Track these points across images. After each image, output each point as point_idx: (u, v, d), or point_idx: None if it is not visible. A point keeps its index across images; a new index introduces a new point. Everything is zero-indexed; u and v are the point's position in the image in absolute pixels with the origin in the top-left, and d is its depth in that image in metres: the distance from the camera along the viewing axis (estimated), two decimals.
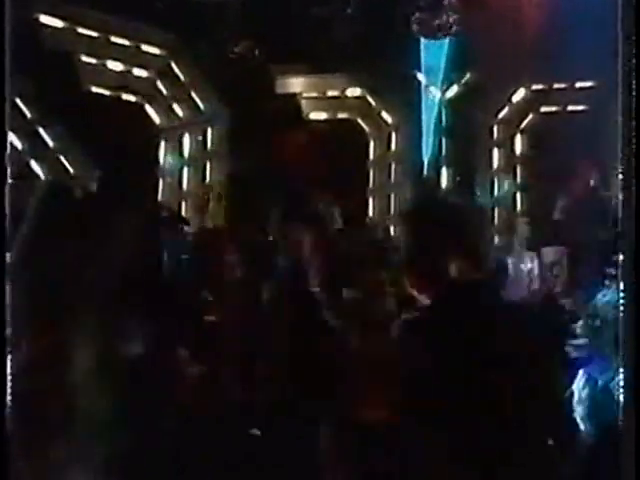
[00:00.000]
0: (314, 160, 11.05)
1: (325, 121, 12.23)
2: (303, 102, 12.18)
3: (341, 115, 12.26)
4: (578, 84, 11.51)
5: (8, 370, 3.24)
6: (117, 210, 9.29)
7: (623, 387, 3.14)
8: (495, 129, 12.00)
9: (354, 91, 12.19)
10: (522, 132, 11.96)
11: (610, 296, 4.97)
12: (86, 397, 4.80)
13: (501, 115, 11.99)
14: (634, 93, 3.08)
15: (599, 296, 4.98)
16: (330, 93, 12.29)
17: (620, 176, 3.12)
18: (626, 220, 3.12)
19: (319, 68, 11.97)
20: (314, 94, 12.25)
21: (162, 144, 10.33)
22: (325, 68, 11.93)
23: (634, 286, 3.11)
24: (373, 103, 12.13)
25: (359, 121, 12.19)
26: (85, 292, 6.25)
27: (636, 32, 3.10)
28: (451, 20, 9.80)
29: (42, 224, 5.57)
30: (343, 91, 12.24)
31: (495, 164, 11.97)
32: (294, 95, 12.16)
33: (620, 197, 3.06)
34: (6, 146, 3.21)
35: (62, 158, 9.68)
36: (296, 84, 12.17)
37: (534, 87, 11.83)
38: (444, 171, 11.99)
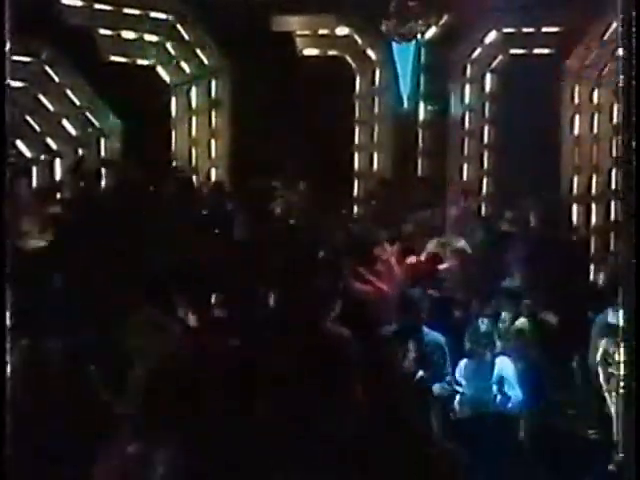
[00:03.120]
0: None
1: (317, 57, 13.31)
2: (297, 40, 13.32)
3: (331, 52, 13.38)
4: (544, 29, 12.60)
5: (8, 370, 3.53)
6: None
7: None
8: (468, 68, 13.20)
9: (342, 30, 13.29)
10: (492, 71, 13.11)
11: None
12: None
13: (474, 55, 13.12)
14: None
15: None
16: (321, 31, 13.35)
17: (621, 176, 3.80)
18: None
19: (311, 8, 13.15)
20: (307, 32, 13.34)
21: (173, 99, 11.87)
22: (317, 8, 13.13)
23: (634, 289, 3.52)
24: (359, 42, 13.24)
25: (347, 58, 13.34)
26: None
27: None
28: (415, 29, 11.07)
29: None
30: (333, 30, 13.30)
31: (467, 99, 13.31)
32: (289, 33, 13.44)
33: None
34: (6, 148, 3.50)
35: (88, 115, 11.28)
36: (291, 23, 13.26)
37: (505, 30, 12.87)
38: (421, 104, 13.37)
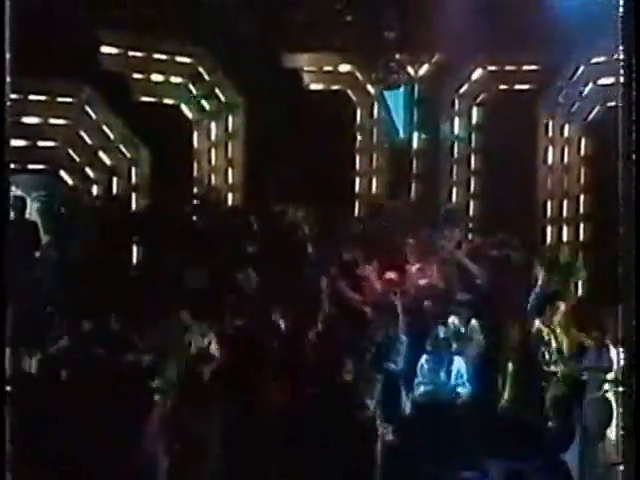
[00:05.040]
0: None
1: (322, 92, 14.65)
2: (304, 75, 14.63)
3: (334, 87, 14.72)
4: (525, 67, 14.02)
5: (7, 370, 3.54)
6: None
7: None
8: (456, 102, 14.61)
9: (345, 67, 14.61)
10: (478, 105, 14.49)
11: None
12: None
13: (461, 90, 14.48)
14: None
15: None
16: (326, 68, 14.66)
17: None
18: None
19: (318, 47, 14.37)
20: (313, 68, 14.68)
21: (195, 133, 13.48)
22: (322, 47, 14.36)
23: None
24: (360, 78, 14.56)
25: (349, 92, 14.71)
26: None
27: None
28: (401, 79, 12.63)
29: None
30: (336, 67, 14.64)
31: (455, 130, 14.70)
32: (297, 70, 14.70)
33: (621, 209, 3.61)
34: (6, 148, 3.56)
35: (121, 147, 12.86)
36: (298, 60, 14.52)
37: (489, 68, 14.24)
38: (415, 135, 14.76)
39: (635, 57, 3.58)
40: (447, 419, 8.49)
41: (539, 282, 9.69)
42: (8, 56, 3.55)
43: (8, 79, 3.56)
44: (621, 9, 3.69)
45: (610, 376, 7.67)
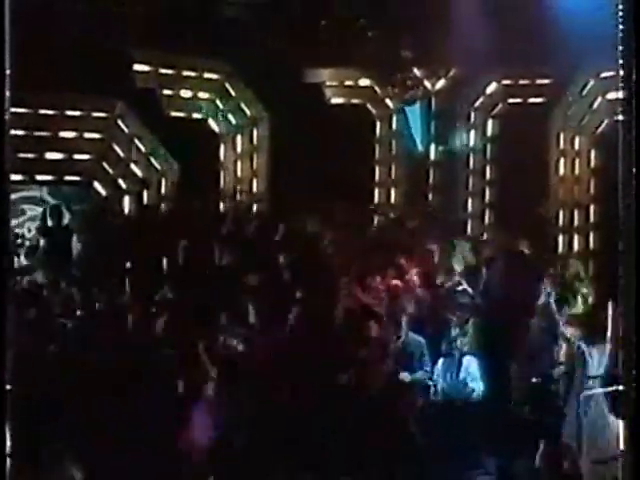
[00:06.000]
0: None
1: (342, 105, 15.26)
2: (326, 90, 15.28)
3: (354, 101, 15.35)
4: (537, 81, 14.55)
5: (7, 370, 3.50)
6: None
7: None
8: (472, 115, 15.16)
9: (364, 82, 15.18)
10: (493, 118, 15.07)
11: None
12: None
13: (477, 104, 15.06)
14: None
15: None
16: (346, 83, 15.28)
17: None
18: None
19: (338, 62, 14.92)
20: (334, 83, 15.30)
21: (221, 146, 14.13)
22: (343, 62, 14.92)
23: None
24: (379, 92, 15.13)
25: (368, 106, 15.29)
26: None
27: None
28: (417, 94, 13.20)
29: None
30: (356, 81, 15.24)
31: (471, 142, 15.24)
32: (319, 84, 15.31)
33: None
34: (5, 149, 3.43)
35: (152, 160, 13.52)
36: (320, 75, 15.12)
37: (504, 82, 14.78)
38: (432, 146, 15.37)
39: (635, 72, 3.63)
40: (459, 418, 9.00)
41: (545, 284, 10.19)
42: (8, 72, 3.68)
43: (8, 93, 3.67)
44: (621, 26, 3.79)
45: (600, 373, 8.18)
